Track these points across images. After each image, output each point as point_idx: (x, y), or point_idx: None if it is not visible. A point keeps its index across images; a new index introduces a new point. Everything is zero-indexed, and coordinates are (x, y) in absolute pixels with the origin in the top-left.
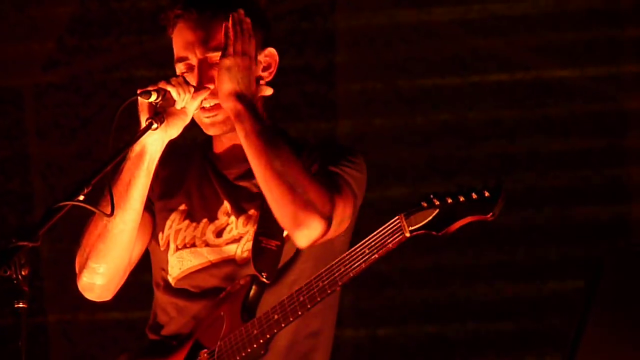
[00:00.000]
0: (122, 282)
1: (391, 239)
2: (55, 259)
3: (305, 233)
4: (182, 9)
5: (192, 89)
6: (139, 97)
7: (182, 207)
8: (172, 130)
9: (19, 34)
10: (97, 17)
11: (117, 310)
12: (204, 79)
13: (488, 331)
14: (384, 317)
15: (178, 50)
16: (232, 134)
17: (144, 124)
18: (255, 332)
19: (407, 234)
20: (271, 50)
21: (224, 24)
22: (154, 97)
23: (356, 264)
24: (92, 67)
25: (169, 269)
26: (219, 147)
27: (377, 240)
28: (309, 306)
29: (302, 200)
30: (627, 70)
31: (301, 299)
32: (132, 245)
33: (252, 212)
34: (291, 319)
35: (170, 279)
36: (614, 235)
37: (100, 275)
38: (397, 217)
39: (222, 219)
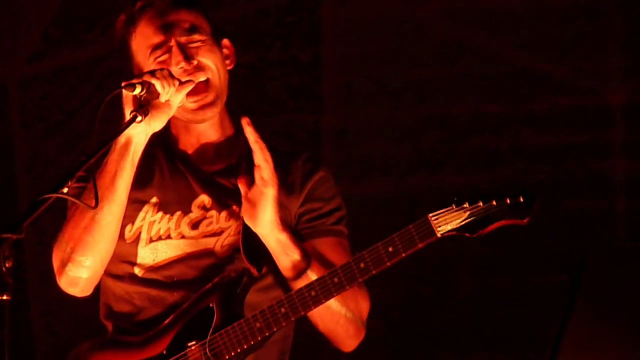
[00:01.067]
0: (100, 277)
1: (421, 239)
2: (39, 251)
3: (353, 348)
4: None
5: (177, 82)
6: (123, 90)
7: (154, 199)
8: (155, 123)
9: (4, 25)
10: (83, 10)
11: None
12: (188, 56)
13: (472, 325)
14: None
15: (151, 37)
16: (205, 129)
17: (128, 117)
18: (257, 325)
19: (438, 235)
20: (227, 41)
21: (259, 149)
22: (138, 90)
23: (379, 262)
24: (77, 60)
25: (138, 260)
26: (189, 141)
27: (404, 239)
28: (323, 301)
29: (354, 328)
30: (612, 64)
31: (313, 293)
32: (116, 238)
33: (235, 207)
34: (302, 313)
35: (137, 270)
36: (598, 230)
37: (86, 269)
38: (424, 218)
39: (196, 211)
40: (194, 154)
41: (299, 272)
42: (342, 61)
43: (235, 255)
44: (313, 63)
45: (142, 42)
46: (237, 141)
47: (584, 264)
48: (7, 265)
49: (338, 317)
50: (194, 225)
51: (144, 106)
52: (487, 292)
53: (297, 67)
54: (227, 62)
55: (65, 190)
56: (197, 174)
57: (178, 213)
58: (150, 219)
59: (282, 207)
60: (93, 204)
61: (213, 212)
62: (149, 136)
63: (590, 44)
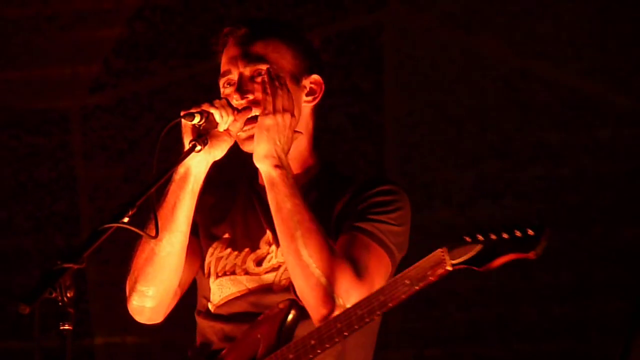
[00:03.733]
0: (173, 305)
1: (432, 272)
2: (101, 281)
3: (319, 318)
4: (231, 26)
5: (235, 111)
6: (182, 120)
7: (226, 235)
8: (215, 151)
9: (66, 56)
10: (144, 40)
11: (163, 333)
12: (243, 91)
13: (533, 352)
14: (431, 337)
15: (222, 66)
16: None
17: (187, 146)
18: (290, 356)
19: (449, 268)
20: (316, 77)
21: (261, 79)
22: (197, 120)
23: (395, 296)
24: (139, 90)
25: (210, 296)
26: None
27: (418, 272)
28: (346, 333)
29: (324, 293)
30: None
31: (339, 325)
32: (180, 268)
33: None
34: (327, 346)
35: (211, 306)
36: None
37: (149, 298)
38: (439, 250)
39: (263, 248)
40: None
41: (284, 213)
42: (403, 89)
43: (292, 289)
44: (374, 91)
45: (220, 69)
46: (309, 174)
47: None
48: (68, 295)
49: (314, 280)
50: (259, 262)
51: (203, 135)
52: (550, 319)
53: (359, 96)
54: (309, 98)
55: (126, 219)
56: (266, 208)
57: (246, 250)
58: (218, 254)
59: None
60: (154, 234)
61: (273, 247)
62: (209, 165)
63: None
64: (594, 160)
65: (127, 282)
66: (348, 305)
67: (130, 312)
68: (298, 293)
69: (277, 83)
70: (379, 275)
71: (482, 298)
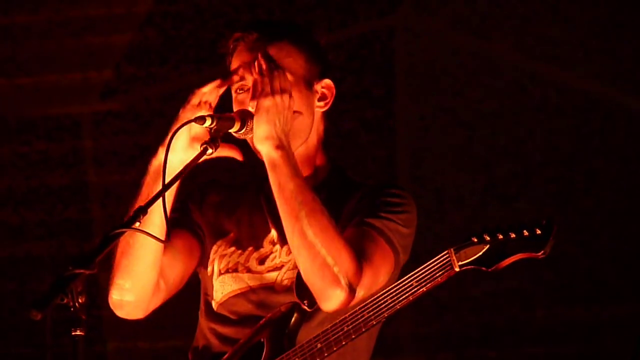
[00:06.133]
0: (157, 302)
1: (440, 273)
2: None
3: (328, 304)
4: (242, 31)
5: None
6: (193, 123)
7: (231, 235)
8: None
9: (77, 62)
10: (155, 45)
11: (176, 338)
12: (254, 97)
13: (546, 356)
14: (443, 342)
15: (234, 71)
16: None
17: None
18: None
19: (457, 269)
20: (328, 81)
21: (255, 62)
22: (208, 123)
23: (403, 297)
24: (150, 95)
25: (213, 293)
26: None
27: (425, 274)
28: (353, 336)
29: (332, 273)
30: None
31: (345, 328)
32: (157, 262)
33: None
34: (334, 349)
35: (214, 304)
36: None
37: (127, 292)
38: (446, 251)
39: (267, 247)
40: None
41: (286, 193)
42: (414, 94)
43: (292, 289)
44: (386, 96)
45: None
46: (318, 177)
47: None
48: (80, 300)
49: (320, 259)
50: (262, 261)
51: (215, 139)
52: (562, 323)
53: (370, 100)
54: (321, 103)
55: (137, 224)
56: (272, 207)
57: (250, 248)
58: (222, 252)
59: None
60: (164, 239)
61: (277, 247)
62: (184, 163)
63: None
64: (606, 163)
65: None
66: (356, 290)
67: (111, 306)
68: (304, 276)
69: (272, 65)
70: (384, 268)
71: (494, 302)
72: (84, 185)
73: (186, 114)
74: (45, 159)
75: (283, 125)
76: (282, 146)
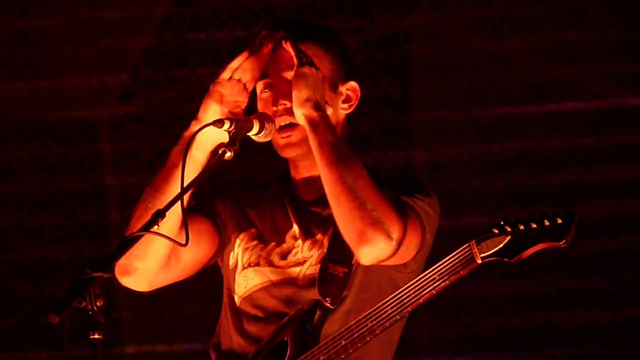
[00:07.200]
0: (164, 280)
1: (462, 266)
2: (132, 290)
3: (371, 251)
4: (269, 29)
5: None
6: (212, 126)
7: (253, 230)
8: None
9: (94, 65)
10: (173, 48)
11: (195, 341)
12: (280, 95)
13: (564, 358)
14: (461, 344)
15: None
16: (310, 161)
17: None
18: (321, 358)
19: (479, 261)
20: (353, 84)
21: (288, 42)
22: (227, 126)
23: (425, 291)
24: (168, 98)
25: (236, 287)
26: (296, 174)
27: (448, 267)
28: (377, 332)
29: (372, 217)
30: None
31: (369, 324)
32: (172, 233)
33: (319, 236)
34: (359, 345)
35: (237, 298)
36: None
37: (136, 257)
38: (467, 244)
39: (289, 242)
40: (300, 186)
41: (326, 148)
42: (432, 96)
43: (315, 285)
44: (403, 99)
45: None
46: None
47: None
48: (98, 304)
49: (358, 202)
50: (284, 256)
51: (234, 141)
52: (580, 325)
53: (387, 103)
54: (345, 105)
55: (156, 227)
56: (295, 204)
57: (272, 244)
58: (244, 246)
59: None
60: (183, 242)
61: (299, 242)
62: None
63: None
64: (623, 165)
65: None
66: (393, 239)
67: (117, 273)
68: (342, 225)
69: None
70: (415, 237)
71: (512, 304)
72: (102, 188)
73: (216, 88)
74: (63, 162)
75: (321, 94)
76: (321, 108)
